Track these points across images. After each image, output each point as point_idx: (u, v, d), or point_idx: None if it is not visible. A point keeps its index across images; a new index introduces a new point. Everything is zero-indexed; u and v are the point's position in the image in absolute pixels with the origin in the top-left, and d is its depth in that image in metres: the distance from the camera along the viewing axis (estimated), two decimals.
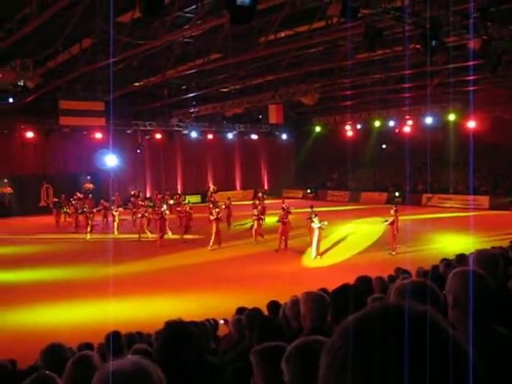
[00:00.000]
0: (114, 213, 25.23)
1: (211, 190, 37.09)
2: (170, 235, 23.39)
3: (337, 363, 0.86)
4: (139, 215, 24.54)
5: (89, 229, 24.15)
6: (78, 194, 30.65)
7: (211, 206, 24.50)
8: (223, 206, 26.16)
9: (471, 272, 2.59)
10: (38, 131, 32.85)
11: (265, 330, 4.13)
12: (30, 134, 32.65)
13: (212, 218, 21.34)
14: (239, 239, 22.88)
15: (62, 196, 30.32)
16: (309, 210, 20.44)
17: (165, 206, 25.77)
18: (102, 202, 27.51)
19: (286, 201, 25.43)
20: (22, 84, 20.44)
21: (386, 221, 19.56)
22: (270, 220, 24.07)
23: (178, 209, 26.43)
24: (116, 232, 24.63)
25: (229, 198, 27.95)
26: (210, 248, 20.76)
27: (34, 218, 30.30)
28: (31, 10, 14.80)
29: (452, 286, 2.53)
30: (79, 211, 26.36)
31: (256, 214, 22.22)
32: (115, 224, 24.95)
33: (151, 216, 23.87)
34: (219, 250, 20.73)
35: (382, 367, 0.81)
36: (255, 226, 22.01)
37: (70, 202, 29.24)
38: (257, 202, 27.89)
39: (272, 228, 22.70)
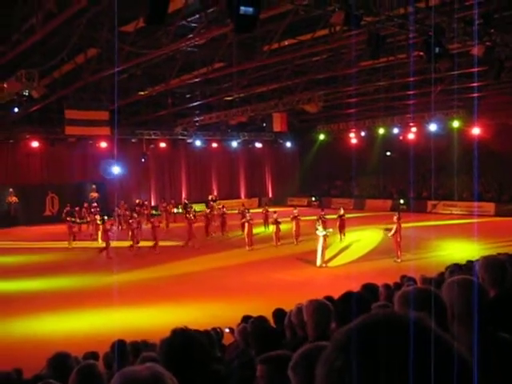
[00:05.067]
0: (98, 222, 25.22)
1: (210, 198, 36.83)
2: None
3: (333, 375, 0.84)
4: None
5: (72, 237, 24.57)
6: (95, 204, 30.77)
7: (242, 211, 25.57)
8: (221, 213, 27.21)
9: (476, 283, 2.55)
10: (43, 141, 32.98)
11: (262, 340, 4.15)
12: (35, 144, 32.80)
13: (244, 220, 23.08)
14: (241, 247, 22.94)
15: (68, 205, 30.31)
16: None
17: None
18: (116, 209, 27.75)
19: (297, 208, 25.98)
20: (27, 94, 20.52)
21: (387, 229, 19.70)
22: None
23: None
24: (100, 240, 24.45)
25: (223, 207, 28.40)
26: (248, 249, 22.31)
27: (39, 228, 30.32)
28: (37, 21, 14.88)
29: (447, 298, 2.49)
30: (99, 220, 26.39)
31: (275, 218, 23.16)
32: (99, 233, 24.90)
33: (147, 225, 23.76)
34: (220, 259, 20.89)
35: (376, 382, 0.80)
36: (275, 230, 23.13)
37: (89, 210, 29.40)
38: (267, 208, 28.61)
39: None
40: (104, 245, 21.74)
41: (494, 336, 2.32)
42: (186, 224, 24.83)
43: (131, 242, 22.62)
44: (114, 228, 25.75)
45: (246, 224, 22.70)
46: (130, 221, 23.96)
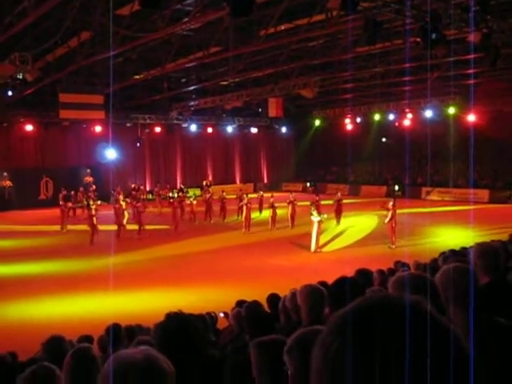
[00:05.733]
0: (91, 206, 24.96)
1: (204, 183, 36.71)
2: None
3: (329, 359, 0.84)
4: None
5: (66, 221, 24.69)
6: (94, 186, 30.71)
7: (240, 195, 26.32)
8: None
9: (470, 270, 2.60)
10: (37, 124, 32.78)
11: (256, 324, 4.17)
12: (29, 128, 32.60)
13: (242, 203, 23.71)
14: (237, 229, 23.24)
15: (63, 189, 30.14)
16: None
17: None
18: (113, 193, 27.68)
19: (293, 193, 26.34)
20: (20, 77, 20.37)
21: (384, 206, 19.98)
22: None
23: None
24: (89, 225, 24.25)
25: (223, 191, 28.48)
26: (244, 231, 22.64)
27: (34, 211, 30.27)
28: (29, 3, 14.73)
29: (441, 283, 2.54)
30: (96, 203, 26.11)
31: (272, 202, 23.43)
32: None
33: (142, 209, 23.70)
34: (215, 241, 21.03)
35: (370, 366, 0.79)
36: (271, 214, 23.42)
37: (85, 194, 29.36)
38: (262, 194, 28.77)
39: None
40: (90, 231, 21.32)
41: (490, 320, 2.34)
42: (170, 209, 25.08)
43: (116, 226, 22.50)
44: (100, 213, 25.31)
45: (244, 207, 22.96)
46: (116, 206, 23.76)
